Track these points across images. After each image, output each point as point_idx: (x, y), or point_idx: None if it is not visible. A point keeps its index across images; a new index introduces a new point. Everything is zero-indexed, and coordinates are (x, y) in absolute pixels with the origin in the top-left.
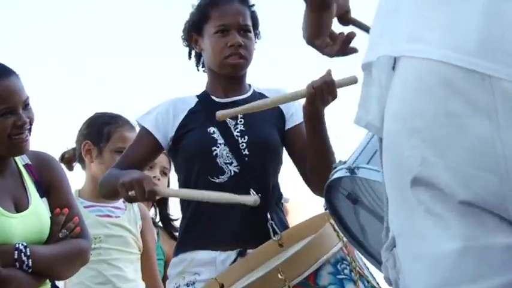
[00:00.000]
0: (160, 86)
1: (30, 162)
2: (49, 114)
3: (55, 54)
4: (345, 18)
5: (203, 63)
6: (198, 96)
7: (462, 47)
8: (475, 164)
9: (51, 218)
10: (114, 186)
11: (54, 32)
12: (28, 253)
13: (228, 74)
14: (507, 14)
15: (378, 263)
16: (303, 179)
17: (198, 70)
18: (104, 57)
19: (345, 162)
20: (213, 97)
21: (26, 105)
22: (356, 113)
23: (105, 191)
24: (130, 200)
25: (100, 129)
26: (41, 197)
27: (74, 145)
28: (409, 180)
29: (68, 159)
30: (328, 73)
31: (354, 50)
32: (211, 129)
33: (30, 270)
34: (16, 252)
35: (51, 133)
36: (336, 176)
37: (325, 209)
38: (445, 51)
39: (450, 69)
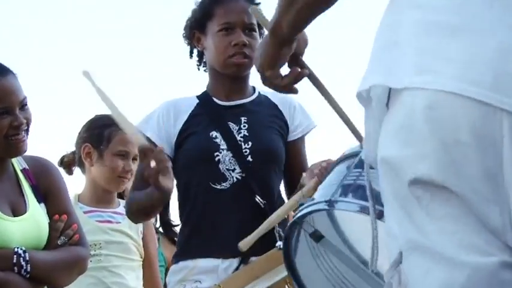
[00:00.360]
0: (160, 86)
1: (27, 167)
2: (49, 115)
3: (55, 54)
4: (294, 60)
5: (205, 63)
6: (198, 97)
7: (477, 80)
8: (477, 193)
9: (49, 224)
10: (142, 198)
11: (54, 32)
12: (27, 258)
13: (232, 74)
14: None
15: None
16: (286, 193)
17: (199, 70)
18: (104, 57)
19: (313, 199)
20: (214, 99)
21: (23, 105)
22: (363, 149)
23: (136, 208)
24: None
25: (100, 132)
26: (39, 202)
27: (73, 148)
28: (420, 201)
29: (68, 163)
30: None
31: (295, 91)
32: (214, 133)
33: (28, 275)
34: (15, 256)
35: (52, 134)
36: (311, 208)
37: (279, 248)
38: (458, 83)
39: (463, 101)
